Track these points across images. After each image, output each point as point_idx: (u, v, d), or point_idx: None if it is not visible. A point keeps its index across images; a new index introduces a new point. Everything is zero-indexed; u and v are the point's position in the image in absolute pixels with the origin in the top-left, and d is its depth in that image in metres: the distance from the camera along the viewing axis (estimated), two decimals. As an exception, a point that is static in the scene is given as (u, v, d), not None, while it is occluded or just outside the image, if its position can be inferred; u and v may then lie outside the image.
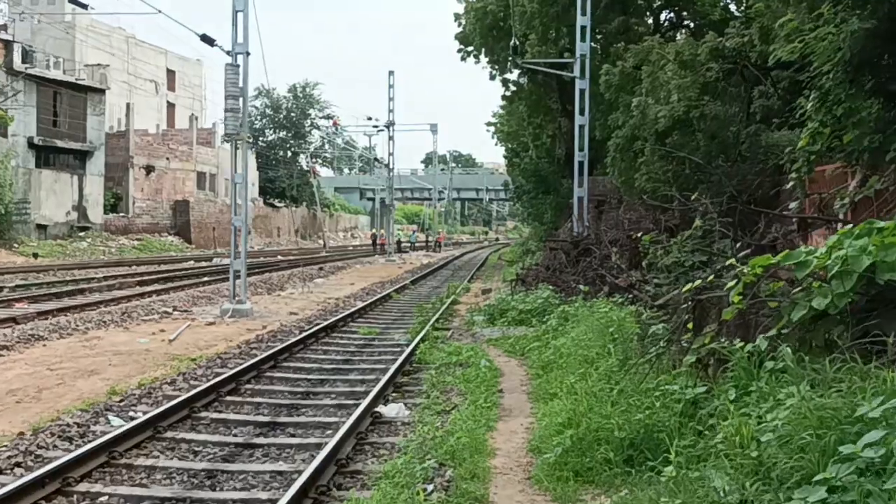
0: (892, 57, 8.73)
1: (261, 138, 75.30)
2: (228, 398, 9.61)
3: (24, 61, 43.36)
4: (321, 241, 67.92)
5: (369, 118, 76.42)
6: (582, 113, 23.57)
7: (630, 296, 12.51)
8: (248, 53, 18.33)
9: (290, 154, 78.03)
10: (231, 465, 7.05)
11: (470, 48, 33.83)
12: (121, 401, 9.36)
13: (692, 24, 27.22)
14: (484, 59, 33.65)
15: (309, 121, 78.60)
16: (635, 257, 14.51)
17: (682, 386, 6.07)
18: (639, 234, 12.15)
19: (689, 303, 6.95)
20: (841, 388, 4.45)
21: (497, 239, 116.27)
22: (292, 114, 77.10)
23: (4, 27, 45.28)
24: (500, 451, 7.02)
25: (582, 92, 23.52)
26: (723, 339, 6.12)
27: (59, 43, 53.60)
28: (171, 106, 70.21)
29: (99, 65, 50.85)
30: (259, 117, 76.13)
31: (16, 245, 40.16)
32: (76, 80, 47.28)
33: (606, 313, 11.50)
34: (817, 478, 3.54)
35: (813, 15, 9.50)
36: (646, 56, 16.93)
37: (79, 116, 47.11)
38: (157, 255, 45.83)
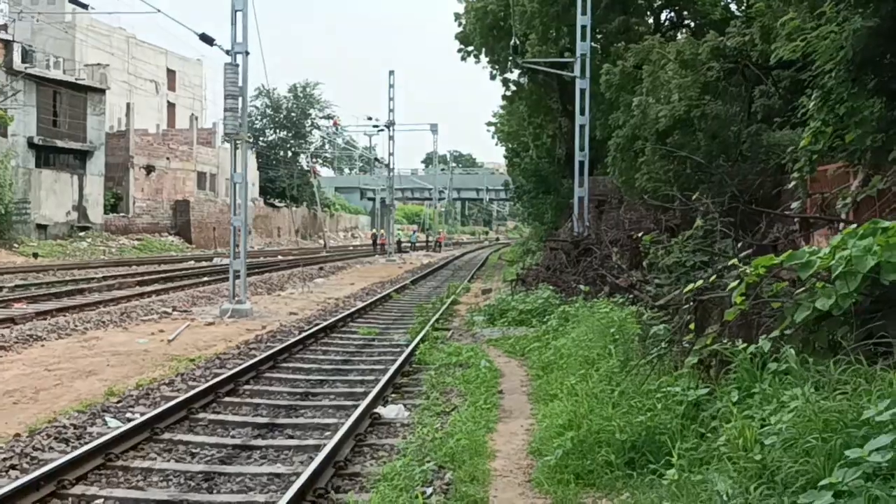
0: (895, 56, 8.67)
1: (261, 138, 75.27)
2: (227, 399, 9.54)
3: (23, 61, 43.32)
4: (321, 241, 67.88)
5: (369, 118, 76.18)
6: (582, 112, 23.51)
7: (631, 296, 12.45)
8: (247, 53, 18.28)
9: (290, 154, 77.99)
10: (228, 468, 6.99)
11: (470, 48, 33.80)
12: (118, 402, 9.30)
13: (693, 24, 27.18)
14: (484, 59, 33.64)
15: (309, 121, 78.58)
16: (636, 257, 14.45)
17: (683, 387, 6.01)
18: (639, 234, 12.09)
19: (691, 303, 6.88)
20: (846, 390, 4.38)
21: (497, 239, 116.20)
22: (293, 114, 77.06)
23: (5, 27, 45.21)
24: (500, 453, 6.96)
25: (582, 91, 23.46)
26: (725, 340, 6.06)
27: (59, 43, 53.56)
28: (171, 106, 70.16)
29: (99, 64, 50.81)
30: (259, 117, 76.11)
31: (16, 245, 40.12)
32: (76, 79, 47.23)
33: (607, 314, 11.43)
34: (823, 482, 3.48)
35: (815, 13, 9.45)
36: (646, 55, 16.87)
37: (79, 116, 47.06)
38: (157, 255, 45.79)
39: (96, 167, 48.32)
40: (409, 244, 67.78)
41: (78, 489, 6.28)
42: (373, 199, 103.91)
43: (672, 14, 28.96)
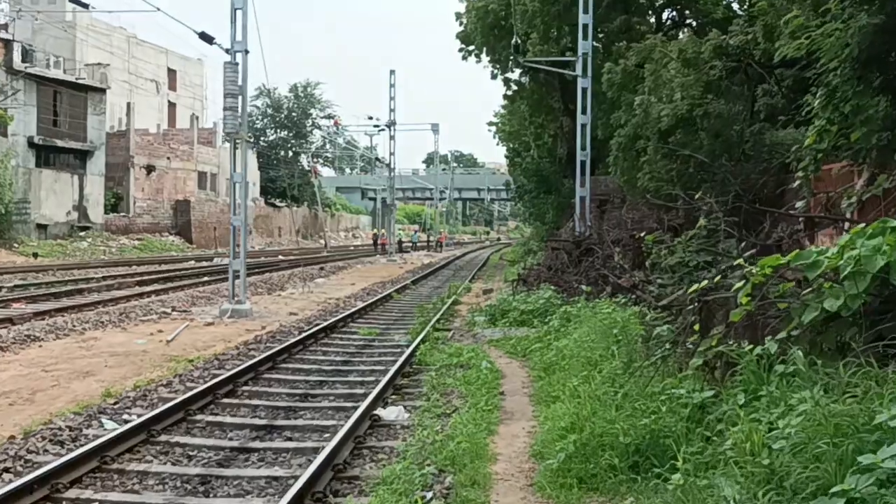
0: (902, 53, 8.56)
1: (262, 138, 75.20)
2: (225, 400, 9.44)
3: (24, 60, 43.24)
4: (322, 241, 67.83)
5: (370, 117, 76.09)
6: (584, 112, 23.42)
7: (633, 296, 12.35)
8: (247, 51, 18.20)
9: (291, 154, 77.90)
10: (226, 471, 6.88)
11: (471, 47, 33.75)
12: (115, 403, 9.20)
13: (694, 23, 27.09)
14: (485, 59, 33.60)
15: (310, 120, 78.47)
16: (638, 257, 14.35)
17: (688, 390, 5.90)
18: (642, 234, 12.01)
19: (696, 304, 6.78)
20: (855, 393, 4.28)
21: (499, 239, 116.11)
22: (293, 113, 76.96)
23: (5, 26, 45.13)
24: (501, 456, 6.85)
25: (584, 90, 23.37)
26: (730, 342, 5.95)
27: (59, 42, 53.49)
28: (172, 105, 70.06)
29: (99, 64, 50.72)
30: (260, 117, 76.03)
31: (16, 245, 40.05)
32: (76, 79, 47.15)
33: (609, 314, 11.32)
34: (835, 489, 3.37)
35: (819, 11, 9.36)
36: (648, 54, 16.78)
37: (79, 116, 46.99)
38: (157, 254, 45.72)
39: (97, 167, 48.25)
40: (411, 244, 67.69)
41: (72, 493, 6.18)
42: (374, 199, 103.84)
43: (674, 13, 28.89)
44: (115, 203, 51.59)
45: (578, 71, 23.56)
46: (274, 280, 28.12)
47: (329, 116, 77.52)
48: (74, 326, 15.41)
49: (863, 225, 5.25)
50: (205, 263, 36.96)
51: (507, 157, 52.34)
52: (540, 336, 13.13)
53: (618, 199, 22.22)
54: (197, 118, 65.87)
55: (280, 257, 43.38)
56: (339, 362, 12.36)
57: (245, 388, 10.16)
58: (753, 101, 14.97)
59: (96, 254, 42.98)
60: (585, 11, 23.14)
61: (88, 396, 9.53)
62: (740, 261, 6.31)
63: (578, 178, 23.55)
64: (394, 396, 9.79)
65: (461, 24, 33.99)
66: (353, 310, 18.63)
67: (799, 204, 10.68)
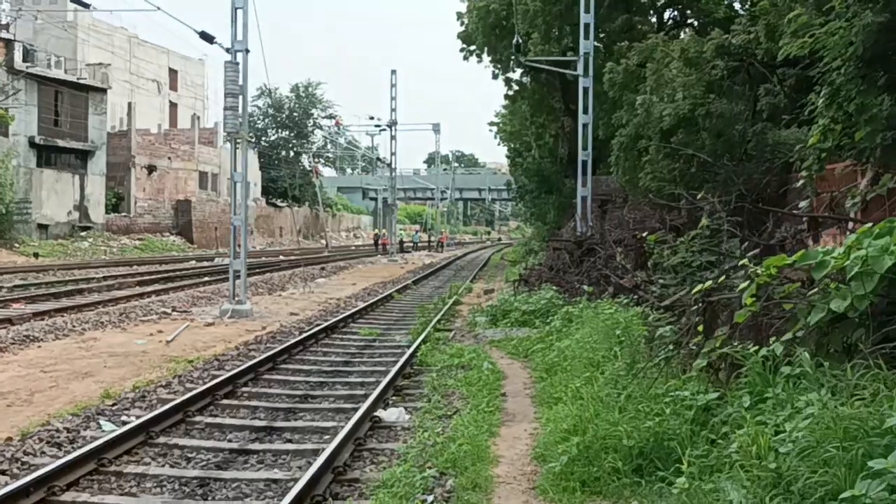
0: (907, 52, 8.48)
1: (263, 138, 75.13)
2: (224, 402, 9.37)
3: (25, 60, 43.20)
4: (323, 241, 67.81)
5: (371, 117, 76.08)
6: (585, 111, 23.33)
7: (635, 297, 12.27)
8: (247, 51, 18.14)
9: (292, 154, 77.82)
10: (224, 473, 6.81)
11: (472, 47, 33.68)
12: (114, 404, 9.13)
13: (696, 23, 27.01)
14: (486, 58, 33.51)
15: (311, 120, 78.35)
16: (640, 257, 14.28)
17: (692, 392, 5.83)
18: (644, 234, 11.93)
19: (700, 304, 6.71)
20: (863, 395, 4.22)
21: (500, 239, 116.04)
22: (295, 113, 76.87)
23: (6, 26, 45.09)
24: (503, 458, 6.77)
25: (585, 90, 23.28)
26: (735, 343, 5.88)
27: (60, 42, 53.49)
28: (173, 105, 70.05)
29: (101, 64, 50.72)
30: (261, 117, 75.95)
31: (17, 245, 40.00)
32: (78, 79, 47.11)
33: (612, 315, 11.23)
34: (845, 495, 3.31)
35: (823, 9, 9.28)
36: (650, 54, 16.71)
37: (80, 116, 46.93)
38: (158, 254, 45.66)
39: (98, 167, 48.21)
40: (412, 244, 67.62)
41: (69, 496, 6.11)
42: (375, 199, 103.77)
43: (675, 13, 28.80)
44: (117, 203, 51.55)
45: (580, 70, 23.48)
46: (275, 280, 28.05)
47: (330, 116, 77.50)
48: (74, 327, 15.34)
49: (870, 225, 5.17)
50: (206, 263, 36.90)
51: (508, 157, 52.26)
52: (542, 337, 13.05)
53: (619, 199, 22.14)
54: (198, 118, 65.79)
55: (281, 257, 43.32)
56: (340, 363, 12.29)
57: (245, 389, 10.10)
58: (755, 101, 14.88)
59: (97, 254, 42.93)
60: (587, 11, 23.06)
61: (87, 397, 9.46)
62: (745, 261, 6.23)
63: (580, 177, 23.47)
64: (395, 398, 9.71)
65: (462, 23, 33.92)
66: (354, 310, 18.56)
67: (802, 204, 10.59)
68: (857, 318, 4.98)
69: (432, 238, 73.78)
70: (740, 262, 6.58)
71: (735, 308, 6.16)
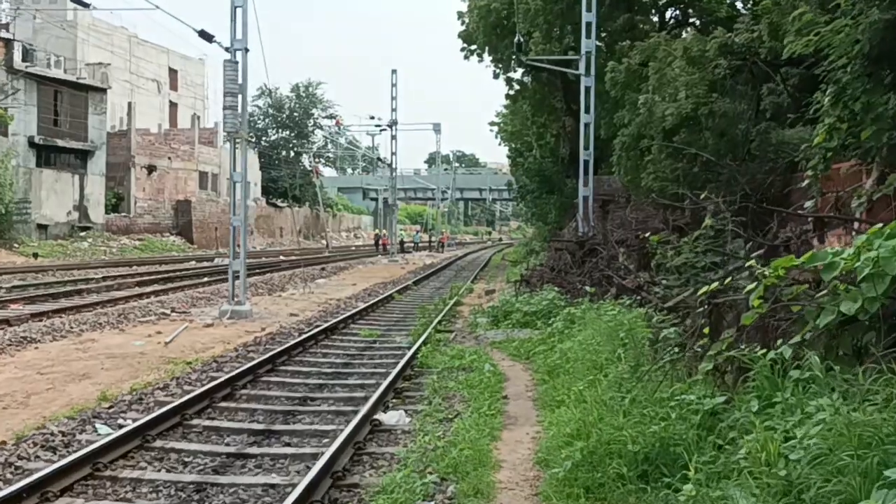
0: (914, 50, 8.37)
1: (263, 138, 75.04)
2: (222, 404, 9.26)
3: (24, 60, 43.10)
4: (324, 242, 67.69)
5: (372, 117, 75.86)
6: (587, 111, 23.23)
7: (638, 298, 12.15)
8: (246, 50, 18.05)
9: (292, 154, 77.72)
10: (221, 478, 6.69)
11: (473, 46, 33.59)
12: (110, 407, 9.02)
13: (698, 22, 26.91)
14: (487, 58, 33.43)
15: (312, 120, 78.25)
16: (643, 258, 14.17)
17: (699, 395, 5.70)
18: (647, 234, 11.81)
19: (706, 306, 6.59)
20: (876, 400, 4.09)
21: (501, 239, 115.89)
22: (295, 113, 76.76)
23: (6, 26, 45.00)
24: (505, 463, 6.65)
25: (587, 89, 23.18)
26: (742, 346, 5.76)
27: (60, 42, 53.37)
28: (173, 105, 69.96)
29: (100, 64, 50.62)
30: (262, 117, 75.87)
31: (16, 245, 39.90)
32: (77, 79, 47.01)
33: (615, 316, 11.12)
34: (860, 505, 3.19)
35: (828, 7, 9.18)
36: (652, 53, 16.62)
37: (80, 116, 46.84)
38: (158, 255, 45.56)
39: (97, 167, 48.11)
40: (412, 244, 67.53)
41: (63, 501, 6.00)
42: (375, 200, 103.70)
43: (677, 12, 28.71)
44: (116, 203, 51.45)
45: (581, 70, 23.37)
46: (274, 280, 27.94)
47: (331, 116, 77.41)
48: (72, 328, 15.23)
49: (881, 225, 5.05)
50: (205, 264, 36.79)
51: (509, 156, 52.18)
52: (543, 338, 12.93)
53: (622, 199, 22.04)
54: (198, 118, 65.69)
55: (281, 258, 43.22)
56: (340, 364, 12.18)
57: (243, 391, 9.98)
58: (759, 100, 14.77)
59: (97, 254, 42.83)
60: (588, 10, 22.96)
61: (84, 400, 9.35)
62: (752, 262, 6.12)
63: (581, 177, 23.36)
64: (395, 400, 9.59)
65: (463, 23, 33.82)
66: (354, 311, 18.45)
67: (807, 204, 10.48)
68: (868, 321, 4.87)
69: (433, 238, 73.68)
70: (746, 263, 6.47)
71: (741, 310, 6.04)
